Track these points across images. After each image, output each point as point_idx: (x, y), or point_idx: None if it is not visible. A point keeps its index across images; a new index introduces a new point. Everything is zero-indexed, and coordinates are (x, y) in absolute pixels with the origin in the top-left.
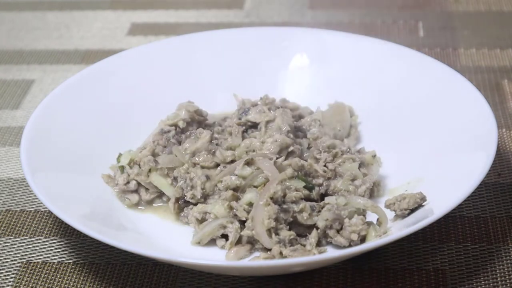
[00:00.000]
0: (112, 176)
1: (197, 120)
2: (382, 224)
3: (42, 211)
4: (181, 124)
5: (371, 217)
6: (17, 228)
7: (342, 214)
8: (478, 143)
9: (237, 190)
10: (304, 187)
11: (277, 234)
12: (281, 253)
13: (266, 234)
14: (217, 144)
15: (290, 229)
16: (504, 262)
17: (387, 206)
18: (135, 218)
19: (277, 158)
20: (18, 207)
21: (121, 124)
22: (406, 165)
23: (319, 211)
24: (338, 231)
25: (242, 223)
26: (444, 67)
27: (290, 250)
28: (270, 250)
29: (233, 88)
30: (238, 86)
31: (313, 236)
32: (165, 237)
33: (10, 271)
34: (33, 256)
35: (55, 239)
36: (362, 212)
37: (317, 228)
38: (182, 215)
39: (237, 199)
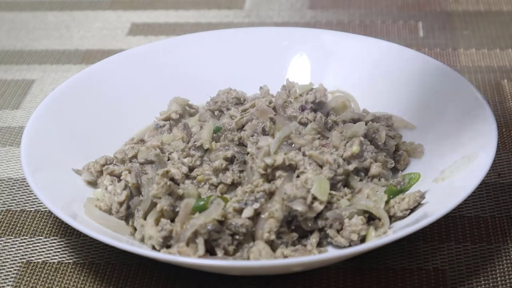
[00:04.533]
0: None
1: (189, 112)
2: (382, 224)
3: (42, 211)
4: (174, 116)
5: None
6: (17, 228)
7: (343, 214)
8: (478, 143)
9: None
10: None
11: (279, 237)
12: (282, 253)
13: None
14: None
15: (292, 231)
16: (504, 262)
17: (387, 209)
18: None
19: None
20: (18, 207)
21: (121, 124)
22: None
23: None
24: (338, 231)
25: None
26: (444, 67)
27: (291, 250)
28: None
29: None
30: (238, 86)
31: (314, 237)
32: None
33: (10, 271)
34: (33, 256)
35: (55, 239)
36: (363, 213)
37: (319, 230)
38: None
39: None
